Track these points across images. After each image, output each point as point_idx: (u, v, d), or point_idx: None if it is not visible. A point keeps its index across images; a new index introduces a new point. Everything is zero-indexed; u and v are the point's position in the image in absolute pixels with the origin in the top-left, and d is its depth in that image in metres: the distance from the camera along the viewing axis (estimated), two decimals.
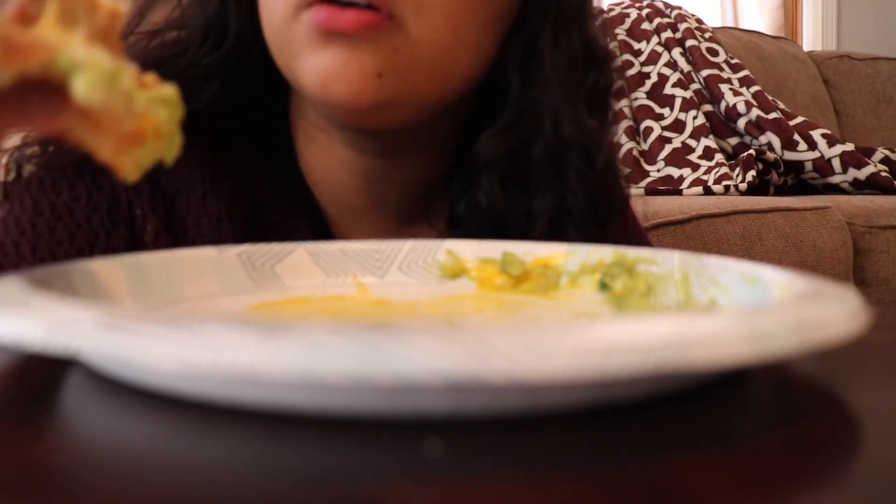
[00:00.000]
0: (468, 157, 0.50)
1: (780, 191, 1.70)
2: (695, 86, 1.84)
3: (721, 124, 1.81)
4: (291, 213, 0.49)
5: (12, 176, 0.48)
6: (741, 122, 1.78)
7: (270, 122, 0.51)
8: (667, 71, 1.85)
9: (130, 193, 0.46)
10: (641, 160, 1.74)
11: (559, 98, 0.47)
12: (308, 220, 0.50)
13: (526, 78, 0.48)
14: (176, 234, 0.47)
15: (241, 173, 0.49)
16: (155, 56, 0.48)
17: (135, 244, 0.46)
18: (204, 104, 0.47)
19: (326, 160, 0.49)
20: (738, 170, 1.62)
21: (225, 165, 0.48)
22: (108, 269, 0.30)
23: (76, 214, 0.46)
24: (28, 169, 0.47)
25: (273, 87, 0.49)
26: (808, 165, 1.74)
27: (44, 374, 0.23)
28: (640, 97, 1.83)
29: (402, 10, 0.40)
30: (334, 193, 0.50)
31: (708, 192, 1.57)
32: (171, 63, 0.47)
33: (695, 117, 1.78)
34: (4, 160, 0.47)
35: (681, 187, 1.62)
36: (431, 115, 0.46)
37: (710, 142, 1.75)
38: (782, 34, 2.77)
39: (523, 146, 0.48)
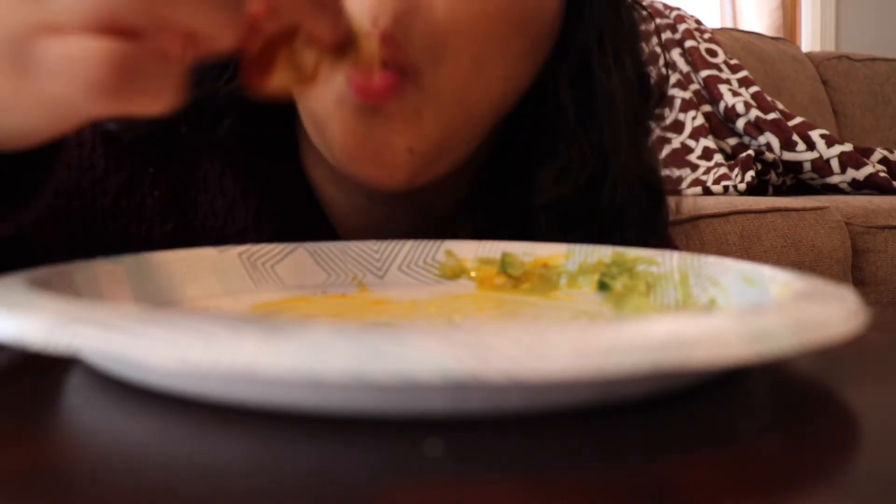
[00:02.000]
0: (499, 188, 0.47)
1: (779, 191, 1.71)
2: (694, 86, 1.84)
3: (720, 125, 1.81)
4: (302, 215, 0.47)
5: None
6: (740, 123, 1.78)
7: (278, 139, 0.48)
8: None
9: (151, 153, 0.45)
10: None
11: (620, 130, 0.44)
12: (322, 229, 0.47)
13: (582, 110, 0.44)
14: (184, 210, 0.45)
15: (256, 161, 0.47)
16: None
17: (126, 204, 0.44)
18: (223, 134, 0.45)
19: (332, 182, 0.47)
20: (736, 170, 1.62)
21: (243, 150, 0.47)
22: (109, 269, 0.30)
23: (83, 135, 0.44)
24: None
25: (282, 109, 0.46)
26: (807, 166, 1.74)
27: (45, 373, 0.23)
28: None
29: (417, 60, 0.37)
30: (344, 214, 0.48)
31: (707, 192, 1.57)
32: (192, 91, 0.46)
33: (694, 118, 1.79)
34: None
35: (680, 188, 1.62)
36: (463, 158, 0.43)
37: (709, 142, 1.75)
38: (781, 35, 2.77)
39: (590, 186, 0.45)
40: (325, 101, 0.39)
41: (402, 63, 0.37)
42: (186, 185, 0.46)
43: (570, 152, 0.44)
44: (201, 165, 0.46)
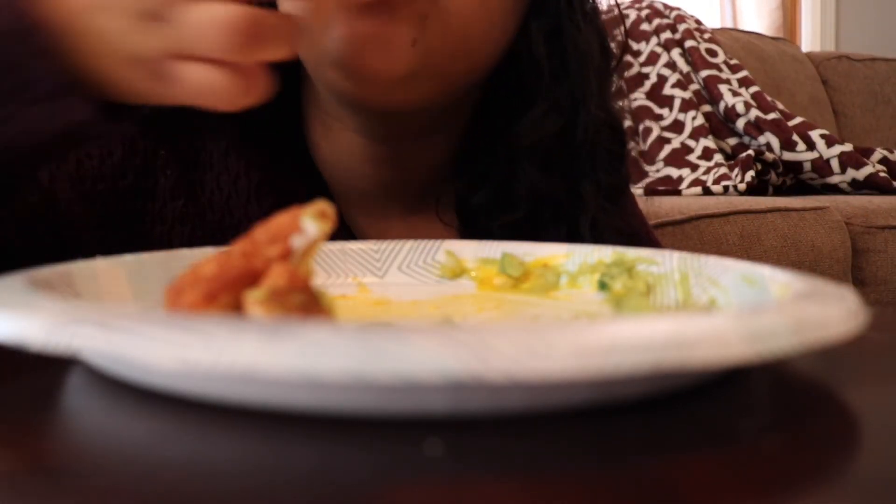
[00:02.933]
0: (482, 144, 0.51)
1: (779, 191, 1.71)
2: (694, 86, 1.84)
3: (720, 125, 1.81)
4: (300, 185, 0.50)
5: None
6: (740, 123, 1.78)
7: (283, 109, 0.51)
8: (666, 71, 1.85)
9: (160, 137, 0.49)
10: (641, 160, 1.74)
11: (589, 81, 0.49)
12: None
13: (555, 64, 0.49)
14: (194, 190, 0.49)
15: (259, 137, 0.51)
16: None
17: (143, 185, 0.48)
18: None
19: (339, 147, 0.50)
20: (736, 170, 1.62)
21: (245, 127, 0.50)
22: (109, 269, 0.30)
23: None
24: None
25: (288, 76, 0.49)
26: (807, 166, 1.74)
27: (45, 373, 0.23)
28: (640, 98, 1.83)
29: None
30: (344, 179, 0.51)
31: (707, 192, 1.57)
32: None
33: (694, 118, 1.78)
34: None
35: (680, 188, 1.62)
36: (453, 96, 0.47)
37: (709, 142, 1.75)
38: (781, 35, 2.77)
39: (564, 132, 0.50)
40: (329, 11, 0.42)
41: None
42: (194, 164, 0.50)
43: (545, 102, 0.49)
44: (206, 145, 0.50)
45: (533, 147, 0.49)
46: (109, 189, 0.48)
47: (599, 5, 0.53)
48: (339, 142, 0.50)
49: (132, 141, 0.48)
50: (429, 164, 0.52)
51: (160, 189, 0.49)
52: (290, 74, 0.48)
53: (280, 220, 0.25)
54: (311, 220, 0.24)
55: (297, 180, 0.51)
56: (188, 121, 0.49)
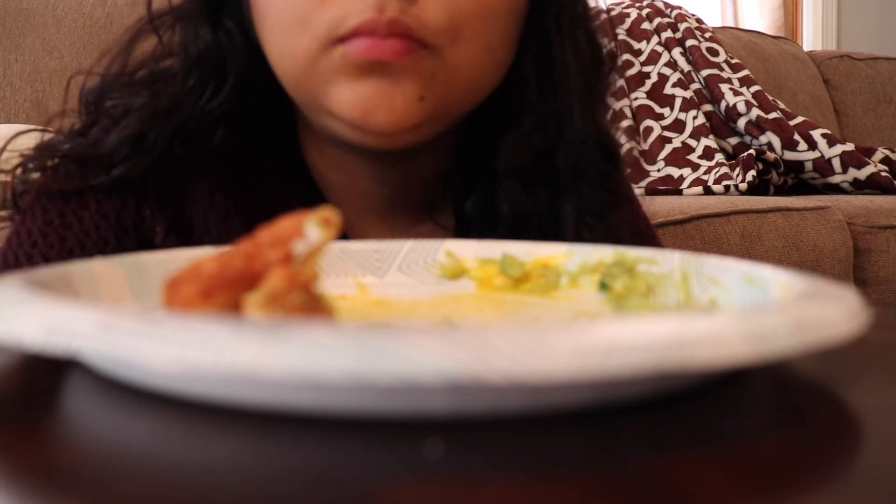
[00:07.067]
0: (472, 155, 0.51)
1: (780, 191, 1.71)
2: (695, 85, 1.84)
3: (721, 124, 1.81)
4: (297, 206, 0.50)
5: (19, 191, 0.48)
6: (741, 122, 1.78)
7: (276, 127, 0.51)
8: (667, 71, 1.85)
9: (139, 196, 0.47)
10: (641, 160, 1.74)
11: (575, 99, 0.49)
12: None
13: (543, 82, 0.49)
14: (184, 233, 0.47)
15: (246, 171, 0.50)
16: (155, 110, 0.47)
17: (145, 247, 0.46)
18: (216, 146, 0.48)
19: (336, 167, 0.50)
20: (738, 170, 1.62)
21: (231, 163, 0.49)
22: (108, 269, 0.30)
23: (85, 222, 0.46)
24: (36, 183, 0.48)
25: (278, 97, 0.49)
26: (809, 165, 1.74)
27: (44, 374, 0.23)
28: (640, 97, 1.83)
29: (438, 40, 0.41)
30: (345, 197, 0.51)
31: (708, 191, 1.57)
32: (175, 116, 0.47)
33: (695, 117, 1.78)
34: (9, 178, 0.48)
35: (681, 187, 1.62)
36: (453, 125, 0.47)
37: (710, 142, 1.75)
38: (782, 34, 2.77)
39: (546, 151, 0.49)
40: (325, 75, 0.42)
41: (419, 38, 0.41)
42: (180, 211, 0.48)
43: (531, 121, 0.49)
44: (188, 189, 0.48)
45: (514, 168, 0.49)
46: (100, 252, 0.45)
47: (591, 11, 0.52)
48: (335, 161, 0.50)
49: (118, 218, 0.46)
50: (426, 177, 0.52)
51: (156, 246, 0.47)
52: (282, 95, 0.47)
53: (284, 224, 0.25)
54: (314, 226, 0.24)
55: (293, 207, 0.49)
56: (165, 170, 0.47)
